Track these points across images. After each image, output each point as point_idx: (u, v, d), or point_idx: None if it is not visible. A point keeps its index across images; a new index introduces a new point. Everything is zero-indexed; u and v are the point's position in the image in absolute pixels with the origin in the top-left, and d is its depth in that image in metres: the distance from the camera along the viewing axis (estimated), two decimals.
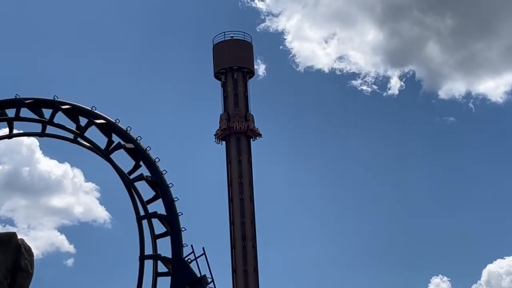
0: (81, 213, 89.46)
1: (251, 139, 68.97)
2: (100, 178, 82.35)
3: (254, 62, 71.54)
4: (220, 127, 68.88)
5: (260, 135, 68.99)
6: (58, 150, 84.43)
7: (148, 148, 31.18)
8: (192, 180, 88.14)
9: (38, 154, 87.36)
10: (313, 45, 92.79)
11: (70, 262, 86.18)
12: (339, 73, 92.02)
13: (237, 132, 68.24)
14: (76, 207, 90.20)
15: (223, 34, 70.69)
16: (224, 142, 69.13)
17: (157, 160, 31.07)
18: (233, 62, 69.85)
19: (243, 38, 71.13)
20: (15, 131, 32.38)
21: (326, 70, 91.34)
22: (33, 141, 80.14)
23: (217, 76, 70.76)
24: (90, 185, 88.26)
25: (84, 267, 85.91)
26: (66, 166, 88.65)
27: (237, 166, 67.56)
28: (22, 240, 27.48)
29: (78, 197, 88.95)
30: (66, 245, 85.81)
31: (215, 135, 69.20)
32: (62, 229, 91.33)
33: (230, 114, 68.68)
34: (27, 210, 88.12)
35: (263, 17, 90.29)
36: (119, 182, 31.02)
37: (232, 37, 70.75)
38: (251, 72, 70.74)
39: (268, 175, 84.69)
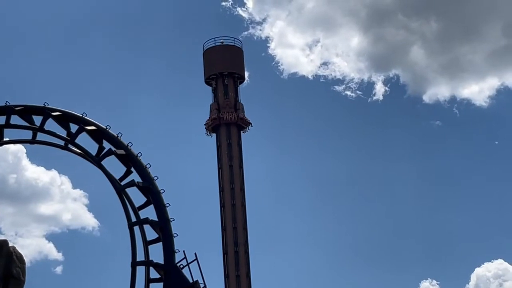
0: (69, 220, 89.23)
1: (242, 131, 68.90)
2: (88, 185, 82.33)
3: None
4: (210, 116, 68.91)
5: (250, 123, 68.99)
6: (45, 157, 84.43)
7: (139, 154, 31.17)
8: (184, 186, 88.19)
9: (25, 161, 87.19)
10: (297, 52, 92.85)
11: (58, 269, 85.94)
12: (323, 80, 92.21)
13: (227, 123, 68.18)
14: (64, 214, 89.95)
15: (213, 39, 70.76)
16: (214, 135, 68.99)
17: (148, 166, 31.06)
18: (224, 68, 69.80)
19: (233, 44, 71.16)
20: (5, 139, 32.33)
21: (310, 76, 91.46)
22: (19, 148, 79.97)
23: (207, 82, 70.71)
24: (78, 192, 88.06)
25: (73, 275, 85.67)
26: (54, 173, 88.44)
27: (228, 171, 67.50)
28: (14, 247, 27.37)
29: (66, 204, 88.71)
30: (54, 253, 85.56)
31: (205, 124, 69.18)
32: (50, 237, 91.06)
33: (220, 104, 68.66)
34: (14, 217, 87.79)
35: (246, 25, 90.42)
36: (107, 189, 31.02)
37: (222, 42, 70.74)
38: (242, 78, 70.72)
39: (260, 180, 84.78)
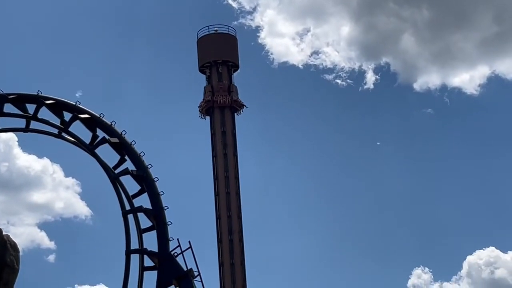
0: (61, 208, 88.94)
1: (236, 113, 68.87)
2: (81, 173, 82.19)
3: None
4: (204, 98, 68.88)
5: (244, 106, 68.96)
6: (37, 145, 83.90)
7: (133, 143, 31.18)
8: (178, 174, 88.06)
9: (17, 149, 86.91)
10: (288, 41, 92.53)
11: (51, 258, 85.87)
12: (314, 69, 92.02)
13: (221, 106, 68.17)
14: (57, 202, 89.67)
15: (207, 27, 70.66)
16: (208, 118, 68.96)
17: (142, 154, 31.08)
18: (218, 56, 69.73)
19: (227, 32, 71.10)
20: None
21: (300, 66, 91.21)
22: (11, 136, 79.46)
23: (201, 70, 70.67)
24: (70, 181, 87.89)
25: (66, 264, 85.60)
26: (45, 161, 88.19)
27: (222, 159, 67.56)
28: (8, 235, 27.36)
29: (58, 192, 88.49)
30: (47, 242, 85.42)
31: (199, 107, 69.15)
32: (42, 226, 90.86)
33: (214, 87, 68.60)
34: (6, 206, 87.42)
35: (235, 15, 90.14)
36: (100, 178, 31.03)
37: (216, 30, 70.65)
38: (236, 66, 70.65)
39: (254, 169, 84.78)
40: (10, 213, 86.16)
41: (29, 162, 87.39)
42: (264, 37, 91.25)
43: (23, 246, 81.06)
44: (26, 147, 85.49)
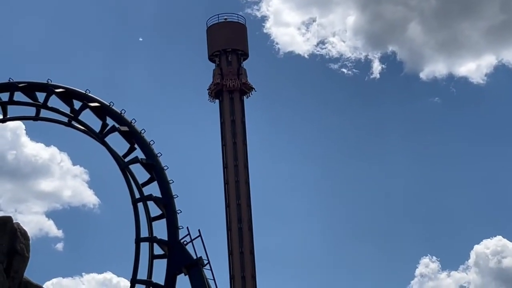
0: (69, 197, 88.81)
1: (245, 96, 68.82)
2: (88, 162, 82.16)
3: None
4: (213, 81, 68.81)
5: (253, 88, 68.92)
6: (45, 133, 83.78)
7: (142, 131, 31.20)
8: (187, 162, 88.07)
9: (24, 138, 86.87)
10: (293, 30, 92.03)
11: (59, 246, 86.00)
12: (320, 59, 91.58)
13: (230, 90, 68.11)
14: (64, 191, 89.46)
15: (217, 16, 70.55)
16: (217, 101, 68.92)
17: (151, 142, 31.10)
18: (227, 44, 69.68)
19: (236, 20, 71.02)
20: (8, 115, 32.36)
21: (306, 56, 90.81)
22: (19, 124, 79.23)
23: (211, 58, 70.67)
24: (78, 169, 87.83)
25: (75, 252, 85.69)
26: (53, 149, 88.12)
27: (232, 148, 67.59)
28: (18, 224, 27.51)
29: (66, 181, 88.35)
30: (55, 230, 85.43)
31: (208, 89, 69.12)
32: (50, 214, 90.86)
33: (224, 71, 68.54)
34: (14, 194, 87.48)
35: (241, 5, 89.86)
36: (108, 166, 31.09)
37: (225, 19, 70.57)
38: (246, 54, 70.60)
39: (263, 158, 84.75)
40: (18, 201, 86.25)
41: (37, 151, 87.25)
42: (270, 27, 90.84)
43: (31, 234, 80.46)
44: (33, 136, 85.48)
